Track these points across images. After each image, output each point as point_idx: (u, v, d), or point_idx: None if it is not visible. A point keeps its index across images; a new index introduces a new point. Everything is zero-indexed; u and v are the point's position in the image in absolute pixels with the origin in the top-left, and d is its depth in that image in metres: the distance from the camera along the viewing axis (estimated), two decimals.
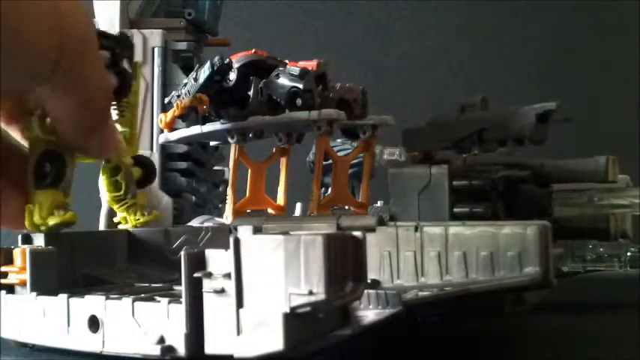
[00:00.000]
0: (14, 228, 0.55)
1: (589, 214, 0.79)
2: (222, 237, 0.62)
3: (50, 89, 0.44)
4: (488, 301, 0.69)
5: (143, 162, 0.66)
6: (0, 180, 0.52)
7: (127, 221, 0.66)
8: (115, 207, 0.65)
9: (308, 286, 0.40)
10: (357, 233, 0.44)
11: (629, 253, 0.84)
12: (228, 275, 0.42)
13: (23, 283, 0.53)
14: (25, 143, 0.54)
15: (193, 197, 0.93)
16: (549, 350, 0.61)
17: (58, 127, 0.51)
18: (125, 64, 0.61)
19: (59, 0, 0.41)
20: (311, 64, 0.67)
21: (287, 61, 0.68)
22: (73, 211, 0.57)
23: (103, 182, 0.65)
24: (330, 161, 0.72)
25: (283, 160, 0.73)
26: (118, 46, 0.60)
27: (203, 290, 0.43)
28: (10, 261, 0.54)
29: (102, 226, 0.85)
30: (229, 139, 0.71)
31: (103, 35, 0.59)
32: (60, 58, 0.41)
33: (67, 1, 0.42)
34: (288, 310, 0.40)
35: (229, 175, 0.71)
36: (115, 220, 0.67)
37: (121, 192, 0.64)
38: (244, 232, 0.43)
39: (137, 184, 0.64)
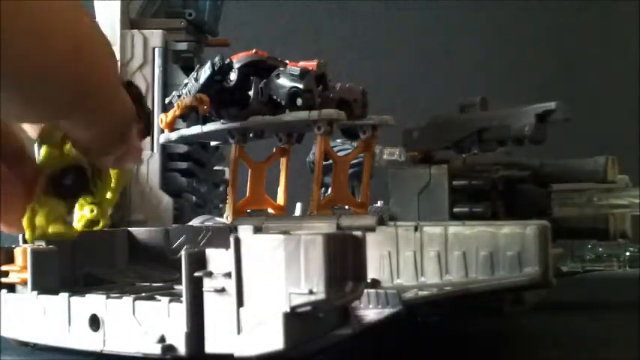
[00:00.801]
0: (11, 228, 0.55)
1: (588, 214, 0.80)
2: (222, 237, 0.63)
3: (70, 123, 0.44)
4: (488, 301, 0.69)
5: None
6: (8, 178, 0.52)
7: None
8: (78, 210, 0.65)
9: (308, 285, 0.40)
10: (357, 233, 0.44)
11: (628, 253, 0.84)
12: (228, 274, 0.43)
13: (24, 282, 0.53)
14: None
15: (194, 197, 0.93)
16: (549, 350, 0.61)
17: (78, 146, 0.51)
18: None
19: (79, 42, 0.40)
20: (311, 64, 0.67)
21: (287, 61, 0.69)
22: (75, 228, 0.57)
23: (78, 221, 0.65)
24: (330, 161, 0.72)
25: (283, 160, 0.73)
26: None
27: (203, 289, 0.44)
28: (11, 260, 0.54)
29: None
30: (229, 139, 0.71)
31: None
32: (80, 100, 0.41)
33: (88, 39, 0.41)
34: (288, 310, 0.40)
35: (229, 175, 0.71)
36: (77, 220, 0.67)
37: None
38: (244, 231, 0.43)
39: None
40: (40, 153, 0.54)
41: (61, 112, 0.42)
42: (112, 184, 0.65)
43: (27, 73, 0.37)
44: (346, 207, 0.73)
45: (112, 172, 0.64)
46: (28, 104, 0.40)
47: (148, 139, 0.90)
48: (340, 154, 0.79)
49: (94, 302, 0.49)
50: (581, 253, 0.84)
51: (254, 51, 0.70)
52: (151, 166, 0.87)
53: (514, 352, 0.62)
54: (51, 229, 0.55)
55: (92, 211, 0.62)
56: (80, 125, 0.44)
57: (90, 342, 0.49)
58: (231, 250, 0.42)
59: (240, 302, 0.42)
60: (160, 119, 0.73)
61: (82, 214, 0.63)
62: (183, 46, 0.92)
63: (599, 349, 0.61)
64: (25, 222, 0.54)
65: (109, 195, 0.62)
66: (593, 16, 1.76)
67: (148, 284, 0.58)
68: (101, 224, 0.62)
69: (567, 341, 0.64)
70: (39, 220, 0.54)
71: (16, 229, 0.54)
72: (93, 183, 0.57)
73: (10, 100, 0.38)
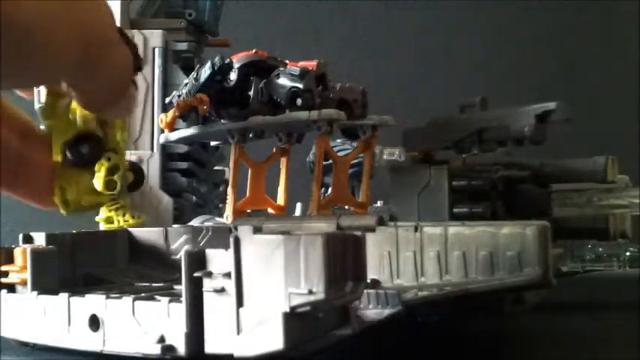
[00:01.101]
0: (40, 204, 0.55)
1: (588, 214, 0.80)
2: (222, 237, 0.63)
3: (71, 81, 0.44)
4: (488, 301, 0.69)
5: (134, 167, 0.66)
6: (29, 156, 0.52)
7: (112, 222, 0.66)
8: (104, 206, 0.65)
9: (308, 285, 0.40)
10: (357, 233, 0.44)
11: (628, 253, 0.84)
12: (228, 275, 0.42)
13: (24, 283, 0.53)
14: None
15: (194, 197, 0.93)
16: (549, 350, 0.61)
17: (79, 103, 0.52)
18: None
19: (79, 8, 0.40)
20: (311, 64, 0.67)
21: (287, 61, 0.69)
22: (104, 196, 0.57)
23: (97, 179, 0.65)
24: (330, 161, 0.72)
25: (283, 160, 0.73)
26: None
27: (203, 290, 0.44)
28: (10, 260, 0.54)
29: (102, 226, 0.85)
30: (229, 139, 0.71)
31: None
32: (83, 56, 0.41)
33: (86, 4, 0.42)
34: (288, 310, 0.40)
35: (229, 175, 0.71)
36: (97, 218, 0.67)
37: (115, 192, 0.65)
38: (244, 231, 0.43)
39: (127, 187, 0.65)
40: (46, 128, 0.54)
41: (67, 72, 0.42)
42: (119, 128, 0.65)
43: (31, 42, 0.38)
44: (346, 207, 0.73)
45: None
46: (37, 69, 0.40)
47: (148, 138, 0.90)
48: (340, 154, 0.79)
49: (94, 302, 0.49)
50: (581, 253, 0.84)
51: (254, 51, 0.70)
52: (151, 166, 0.87)
53: (514, 353, 0.62)
54: (84, 201, 0.55)
55: (109, 159, 0.63)
56: (84, 82, 0.45)
57: (90, 342, 0.49)
58: (231, 250, 0.42)
59: (239, 302, 0.42)
60: (159, 119, 0.73)
61: (100, 163, 0.63)
62: (183, 46, 0.93)
63: (599, 349, 0.61)
64: (57, 199, 0.54)
65: (118, 137, 0.62)
66: (593, 16, 1.76)
67: (147, 284, 0.58)
68: (120, 171, 0.62)
69: (567, 341, 0.64)
70: (70, 194, 0.54)
71: (49, 205, 0.54)
72: (106, 142, 0.58)
73: (19, 68, 0.39)
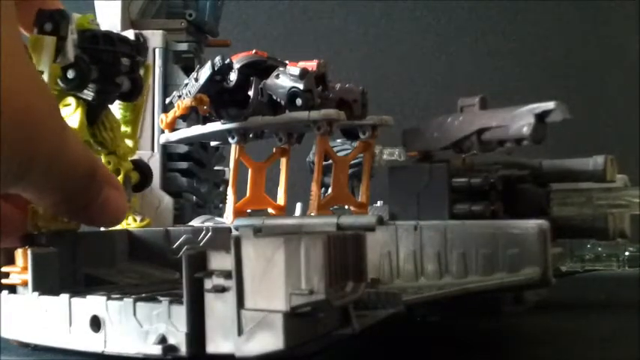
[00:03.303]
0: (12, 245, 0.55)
1: (587, 214, 0.80)
2: (222, 237, 0.63)
3: (22, 188, 0.43)
4: (488, 301, 0.69)
5: (140, 166, 0.66)
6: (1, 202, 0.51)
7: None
8: None
9: (308, 285, 0.40)
10: (358, 233, 0.44)
11: (627, 253, 0.84)
12: (228, 275, 0.43)
13: (25, 284, 0.53)
14: None
15: (194, 197, 0.93)
16: (549, 350, 0.61)
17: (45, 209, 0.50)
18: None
19: (30, 106, 0.39)
20: (311, 65, 0.67)
21: (287, 62, 0.69)
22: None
23: None
24: (330, 161, 0.72)
25: (283, 160, 0.73)
26: (137, 52, 0.60)
27: (204, 290, 0.44)
28: (11, 261, 0.54)
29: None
30: (230, 139, 0.71)
31: (123, 41, 0.59)
32: (31, 165, 0.40)
33: (39, 105, 0.39)
34: (288, 310, 0.40)
35: (230, 175, 0.72)
36: None
37: None
38: (245, 232, 0.43)
39: (133, 188, 0.65)
40: None
41: (11, 180, 0.40)
42: (129, 130, 0.65)
43: None
44: (346, 207, 0.74)
45: (124, 114, 0.64)
46: None
47: (148, 138, 0.90)
48: (340, 154, 0.79)
49: (95, 303, 0.49)
50: (580, 252, 0.84)
51: (254, 51, 0.70)
52: (151, 166, 0.87)
53: (514, 352, 0.62)
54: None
55: (109, 163, 0.62)
56: (33, 188, 0.43)
57: (91, 343, 0.49)
58: (232, 250, 0.42)
59: (240, 303, 0.42)
60: (160, 119, 0.74)
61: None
62: (183, 46, 0.93)
63: (599, 349, 0.61)
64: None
65: (128, 142, 0.62)
66: (593, 16, 1.76)
67: (148, 285, 0.58)
68: (122, 174, 0.62)
69: (567, 341, 0.64)
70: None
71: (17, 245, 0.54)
72: (106, 145, 0.57)
73: None
